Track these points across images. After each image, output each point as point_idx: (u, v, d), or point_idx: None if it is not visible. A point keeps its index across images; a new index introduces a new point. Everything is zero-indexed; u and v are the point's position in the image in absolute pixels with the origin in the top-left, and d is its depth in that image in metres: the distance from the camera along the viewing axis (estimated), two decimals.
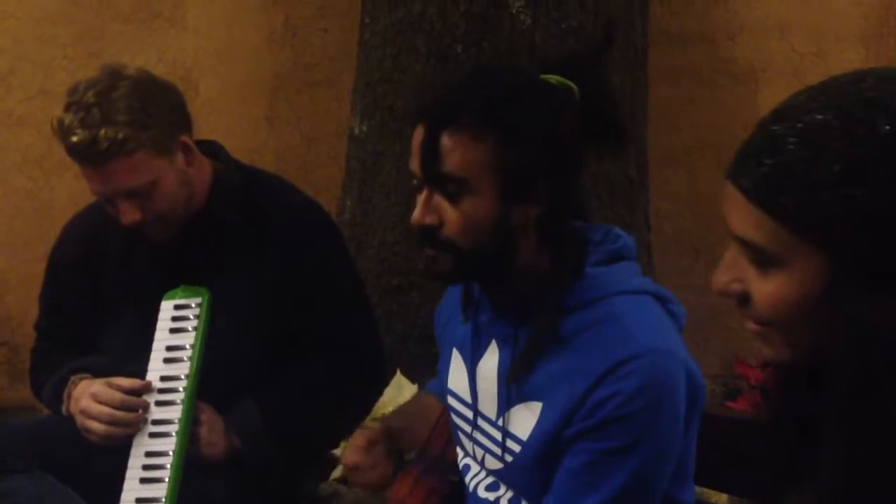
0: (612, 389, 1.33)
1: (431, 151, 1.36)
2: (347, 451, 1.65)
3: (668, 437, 1.36)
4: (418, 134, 1.39)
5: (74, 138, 1.77)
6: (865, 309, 0.88)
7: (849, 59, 3.22)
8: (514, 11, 2.70)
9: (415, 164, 1.40)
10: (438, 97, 1.41)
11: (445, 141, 1.35)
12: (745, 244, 0.96)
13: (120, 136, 1.76)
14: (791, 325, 0.96)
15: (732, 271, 0.99)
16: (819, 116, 0.91)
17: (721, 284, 1.00)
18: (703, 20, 3.27)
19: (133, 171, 1.81)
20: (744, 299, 0.99)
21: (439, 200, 1.38)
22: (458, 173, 1.35)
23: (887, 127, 0.87)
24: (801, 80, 3.21)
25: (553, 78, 1.40)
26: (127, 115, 1.78)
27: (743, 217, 0.95)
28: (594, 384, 1.34)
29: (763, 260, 0.95)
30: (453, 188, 1.36)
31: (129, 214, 1.84)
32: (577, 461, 1.37)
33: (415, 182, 1.42)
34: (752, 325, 1.00)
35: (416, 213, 1.39)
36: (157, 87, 1.88)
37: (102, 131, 1.76)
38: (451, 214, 1.37)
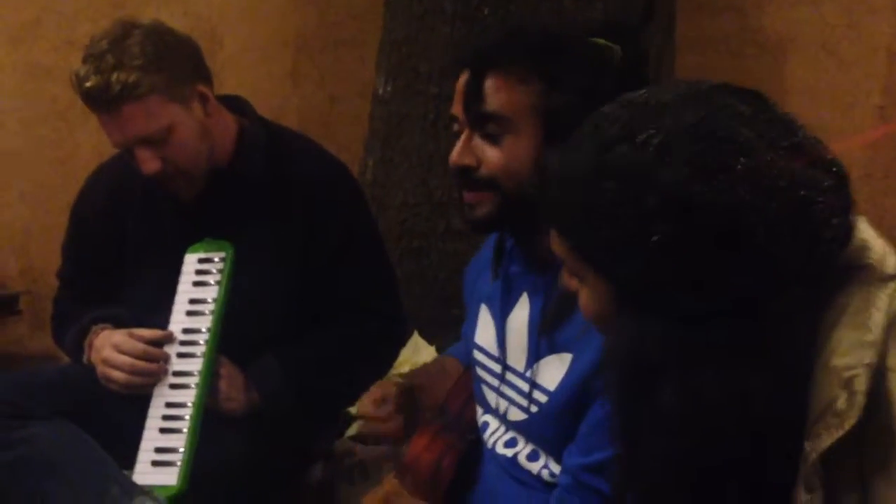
0: None
1: (476, 92, 1.38)
2: (362, 402, 1.66)
3: None
4: (463, 78, 1.41)
5: (88, 84, 1.79)
6: (635, 329, 0.96)
7: (882, 30, 3.15)
8: None
9: (457, 107, 1.42)
10: (487, 41, 1.44)
11: (490, 82, 1.37)
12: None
13: (131, 79, 1.78)
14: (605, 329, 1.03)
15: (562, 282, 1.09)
16: (572, 155, 1.00)
17: (564, 285, 1.08)
18: None
19: (147, 116, 1.81)
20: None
21: (478, 142, 1.40)
22: (501, 112, 1.37)
23: (613, 185, 0.93)
24: (830, 52, 3.17)
25: (598, 40, 1.42)
26: (140, 59, 1.79)
27: (554, 242, 1.03)
28: None
29: (573, 272, 1.03)
30: (494, 128, 1.38)
31: (149, 163, 1.84)
32: (602, 412, 1.37)
33: (455, 127, 1.43)
34: None
35: (455, 154, 1.41)
36: (171, 35, 1.89)
37: (114, 75, 1.77)
38: (490, 154, 1.39)
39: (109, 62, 1.79)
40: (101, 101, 1.81)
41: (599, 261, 0.97)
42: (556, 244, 1.02)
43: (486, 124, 1.38)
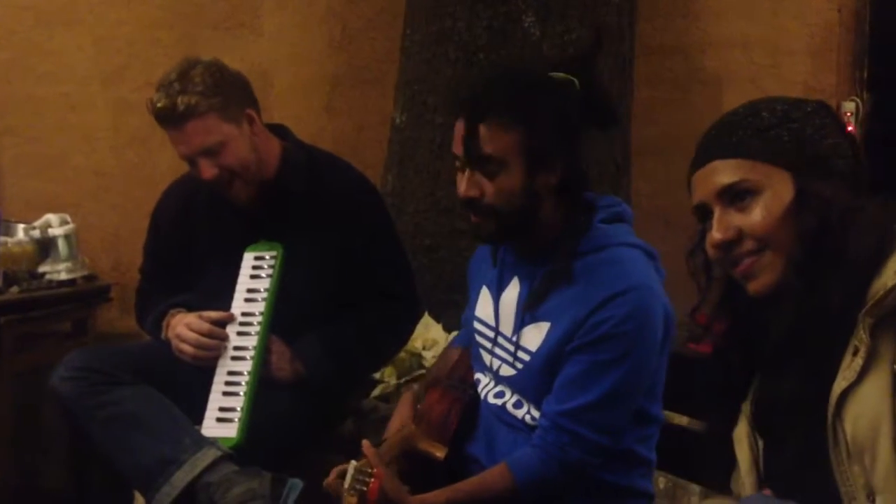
0: (608, 314, 1.38)
1: (473, 140, 1.41)
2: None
3: (646, 356, 1.41)
4: (460, 126, 1.44)
5: (159, 105, 1.80)
6: (820, 188, 1.05)
7: (798, 69, 3.15)
8: (526, 26, 2.65)
9: (459, 150, 1.44)
10: (473, 95, 1.46)
11: (483, 131, 1.41)
12: (727, 191, 1.08)
13: (193, 101, 1.79)
14: (779, 233, 1.05)
15: (722, 225, 1.08)
16: (742, 109, 1.15)
17: (718, 239, 1.09)
18: (680, 36, 3.20)
19: (206, 132, 1.81)
20: (737, 238, 1.07)
21: (479, 177, 1.44)
22: (495, 155, 1.41)
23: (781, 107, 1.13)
24: (758, 87, 3.15)
25: (558, 75, 1.45)
26: (200, 86, 1.80)
27: (727, 172, 1.08)
28: (594, 309, 1.39)
29: (743, 194, 1.07)
30: (492, 168, 1.42)
31: (208, 170, 1.84)
32: (574, 369, 1.41)
33: (458, 164, 1.46)
34: (744, 264, 1.08)
35: (463, 189, 1.45)
36: (226, 69, 1.90)
37: (180, 98, 1.79)
38: (489, 187, 1.43)
39: (176, 88, 1.79)
40: (170, 119, 1.81)
41: (783, 156, 1.07)
42: (735, 172, 1.08)
43: (485, 165, 1.42)
